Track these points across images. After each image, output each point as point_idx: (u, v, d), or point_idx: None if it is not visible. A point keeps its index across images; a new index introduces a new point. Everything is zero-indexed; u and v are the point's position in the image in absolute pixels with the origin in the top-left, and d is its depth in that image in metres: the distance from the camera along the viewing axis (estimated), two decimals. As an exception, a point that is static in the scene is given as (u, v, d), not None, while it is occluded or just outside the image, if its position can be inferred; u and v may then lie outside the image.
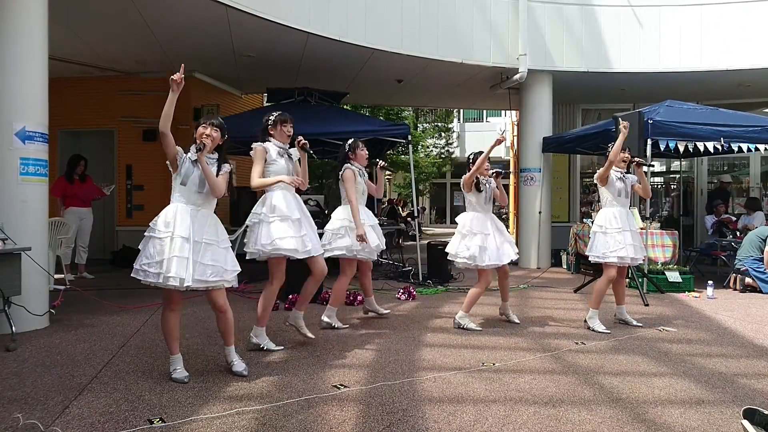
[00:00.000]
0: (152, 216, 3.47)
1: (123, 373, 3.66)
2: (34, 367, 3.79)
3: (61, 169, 8.40)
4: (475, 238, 5.01)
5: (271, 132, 4.20)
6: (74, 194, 7.88)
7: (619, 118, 5.44)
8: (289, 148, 4.25)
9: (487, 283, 5.10)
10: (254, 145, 4.11)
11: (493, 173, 5.17)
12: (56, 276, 6.49)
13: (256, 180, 4.06)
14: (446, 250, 5.29)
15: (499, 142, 5.01)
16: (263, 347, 4.17)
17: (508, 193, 5.41)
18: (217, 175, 3.54)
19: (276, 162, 4.10)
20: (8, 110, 4.83)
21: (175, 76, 3.25)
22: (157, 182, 9.30)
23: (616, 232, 4.97)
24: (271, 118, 4.19)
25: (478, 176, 5.09)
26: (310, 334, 4.39)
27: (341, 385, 3.45)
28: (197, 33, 7.76)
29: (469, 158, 5.27)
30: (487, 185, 5.16)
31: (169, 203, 3.51)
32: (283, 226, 4.01)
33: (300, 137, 4.21)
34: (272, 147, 4.14)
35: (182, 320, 4.11)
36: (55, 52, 7.20)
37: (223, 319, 3.61)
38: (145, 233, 3.43)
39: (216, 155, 3.63)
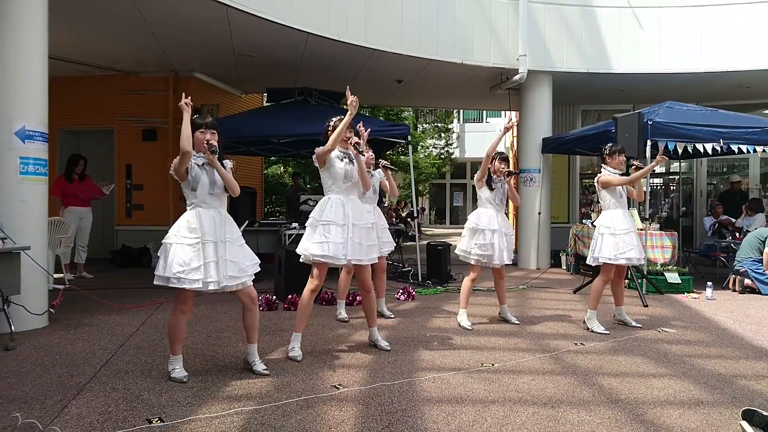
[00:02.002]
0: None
1: (122, 372, 3.66)
2: (32, 366, 3.79)
3: (60, 168, 8.40)
4: (483, 234, 5.07)
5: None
6: (74, 194, 7.88)
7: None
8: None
9: (476, 274, 5.19)
10: (317, 149, 4.06)
11: (505, 173, 5.21)
12: (55, 275, 6.48)
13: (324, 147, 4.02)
14: (457, 248, 5.30)
15: (507, 129, 5.13)
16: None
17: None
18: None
19: (335, 165, 4.08)
20: (8, 109, 4.83)
21: (183, 103, 3.45)
22: (157, 182, 9.16)
23: (624, 234, 4.97)
24: (331, 123, 4.15)
25: (492, 174, 5.14)
26: (385, 346, 4.34)
27: (340, 385, 3.45)
28: (197, 33, 7.76)
29: None
30: (500, 184, 5.19)
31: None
32: (318, 233, 4.00)
33: (353, 137, 4.14)
34: (335, 150, 4.12)
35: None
36: (55, 52, 7.19)
37: (252, 313, 3.66)
38: (166, 241, 3.47)
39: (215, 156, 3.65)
